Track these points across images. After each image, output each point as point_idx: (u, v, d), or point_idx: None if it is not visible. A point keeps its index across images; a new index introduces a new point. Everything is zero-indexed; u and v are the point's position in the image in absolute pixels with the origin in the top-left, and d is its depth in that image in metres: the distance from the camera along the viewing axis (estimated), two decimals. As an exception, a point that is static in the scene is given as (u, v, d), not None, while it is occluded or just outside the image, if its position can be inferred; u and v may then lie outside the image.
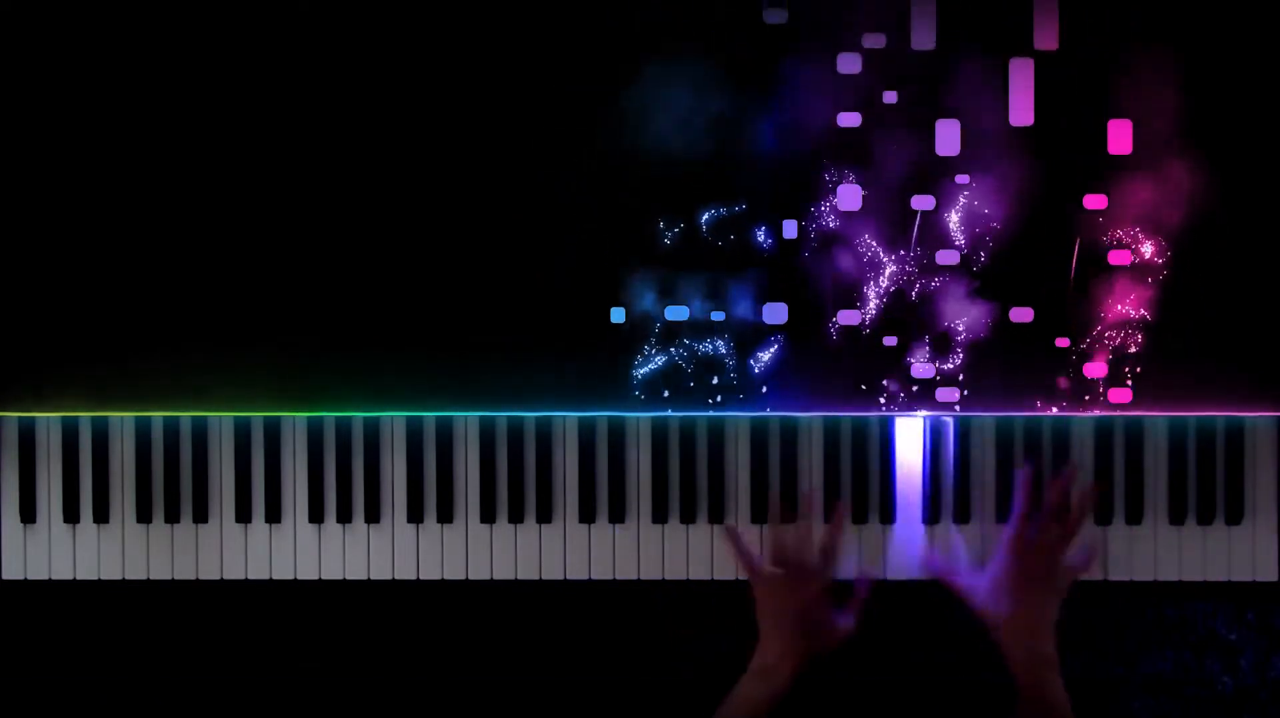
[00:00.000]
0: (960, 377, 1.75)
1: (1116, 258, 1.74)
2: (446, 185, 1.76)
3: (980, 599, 1.71)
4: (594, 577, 1.83)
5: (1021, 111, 1.73)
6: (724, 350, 1.75)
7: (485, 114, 1.75)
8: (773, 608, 1.71)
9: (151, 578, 1.83)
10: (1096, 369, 1.75)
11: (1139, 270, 1.74)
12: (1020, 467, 1.75)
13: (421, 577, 1.83)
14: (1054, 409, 1.75)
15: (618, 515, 1.82)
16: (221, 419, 1.82)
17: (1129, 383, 1.75)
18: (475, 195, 1.76)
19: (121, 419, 1.82)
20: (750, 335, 1.75)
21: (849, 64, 1.73)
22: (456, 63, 1.75)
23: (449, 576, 1.83)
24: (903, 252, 1.73)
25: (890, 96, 1.73)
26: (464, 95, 1.75)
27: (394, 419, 1.82)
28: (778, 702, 1.67)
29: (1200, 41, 1.72)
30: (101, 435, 1.82)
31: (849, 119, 1.73)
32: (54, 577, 1.83)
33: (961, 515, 1.81)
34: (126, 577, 1.83)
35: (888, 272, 1.73)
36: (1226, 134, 1.73)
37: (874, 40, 1.73)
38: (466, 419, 1.83)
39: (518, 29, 1.74)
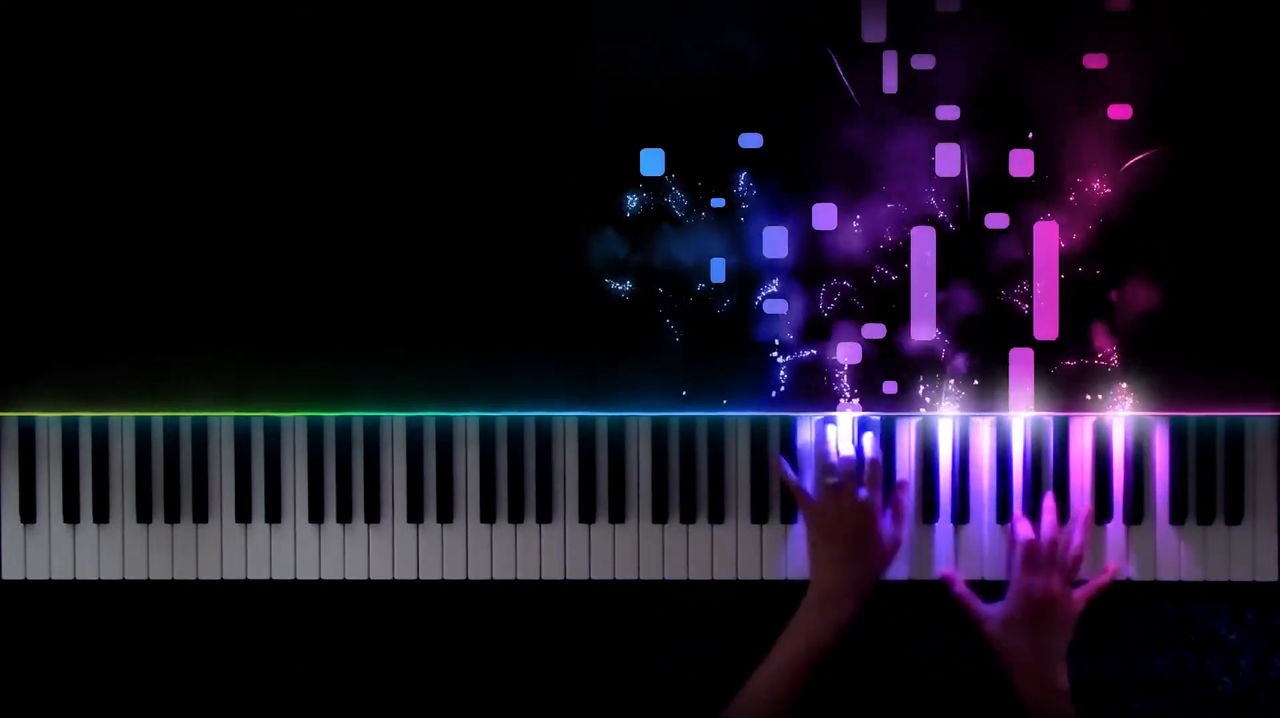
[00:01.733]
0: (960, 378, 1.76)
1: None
2: (447, 186, 1.76)
3: (991, 630, 1.72)
4: (594, 577, 1.83)
5: (1022, 400, 1.74)
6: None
7: (482, 116, 1.75)
8: (825, 529, 1.72)
9: (151, 578, 1.83)
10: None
11: (1139, 272, 1.74)
12: (1015, 477, 1.77)
13: (421, 577, 1.83)
14: (1054, 409, 1.75)
15: (618, 515, 1.82)
16: (221, 419, 1.82)
17: (1129, 383, 1.75)
18: (476, 196, 1.76)
19: (121, 419, 1.82)
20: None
21: (849, 354, 1.74)
22: (454, 70, 1.75)
23: (449, 576, 1.83)
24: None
25: (890, 387, 1.75)
26: (462, 99, 1.75)
27: (394, 419, 1.82)
28: (841, 634, 1.67)
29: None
30: (101, 435, 1.82)
31: (849, 408, 1.76)
32: (54, 577, 1.83)
33: (960, 516, 1.81)
34: (126, 577, 1.83)
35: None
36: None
37: (873, 331, 1.75)
38: (466, 419, 1.83)
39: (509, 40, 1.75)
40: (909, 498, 1.78)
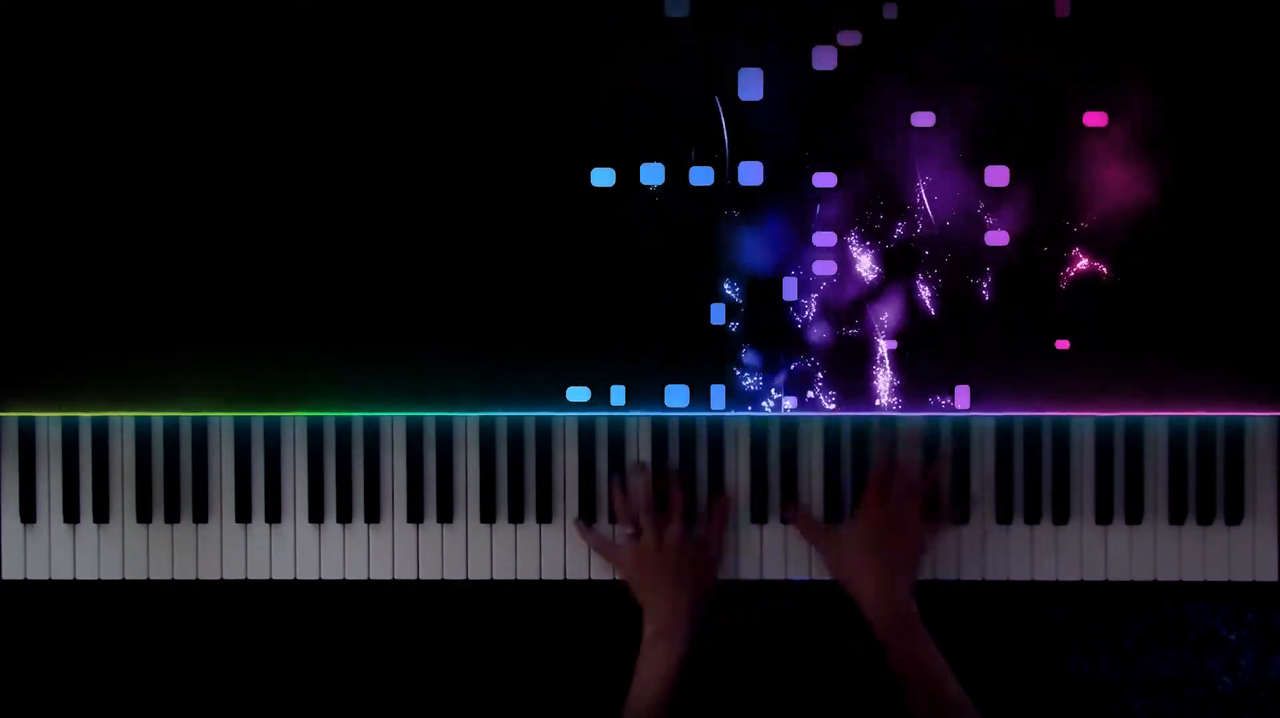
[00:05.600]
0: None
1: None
2: (447, 186, 1.76)
3: (831, 559, 1.74)
4: (594, 577, 1.83)
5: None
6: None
7: (483, 116, 1.75)
8: (641, 571, 1.74)
9: (151, 578, 1.83)
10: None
11: (1137, 269, 1.74)
12: (1016, 476, 1.77)
13: (421, 577, 1.83)
14: (1054, 409, 1.75)
15: (618, 516, 1.82)
16: (221, 419, 1.82)
17: (1128, 382, 1.75)
18: (476, 196, 1.76)
19: (121, 419, 1.82)
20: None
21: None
22: (462, 65, 1.75)
23: (449, 576, 1.83)
24: None
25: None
26: (462, 98, 1.75)
27: (394, 419, 1.82)
28: (683, 666, 1.68)
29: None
30: (101, 435, 1.82)
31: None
32: (54, 577, 1.83)
33: (960, 515, 1.81)
34: (126, 577, 1.83)
35: None
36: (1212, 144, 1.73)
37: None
38: (466, 419, 1.83)
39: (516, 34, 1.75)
40: (723, 510, 1.78)
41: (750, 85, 1.73)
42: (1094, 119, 1.72)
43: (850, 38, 1.72)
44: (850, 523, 1.74)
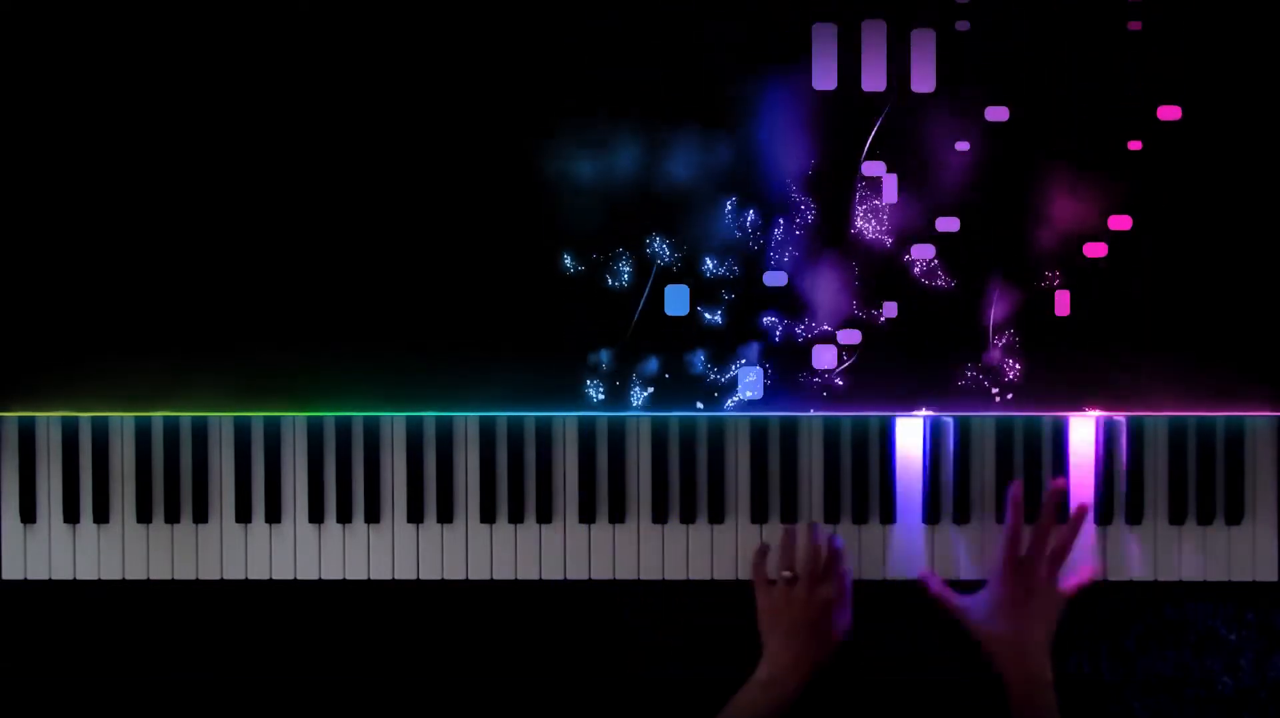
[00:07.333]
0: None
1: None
2: (447, 186, 1.76)
3: (973, 621, 1.73)
4: (594, 577, 1.83)
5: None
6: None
7: (486, 116, 1.75)
8: (780, 618, 1.73)
9: (151, 578, 1.83)
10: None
11: (1136, 270, 1.74)
12: (1016, 477, 1.77)
13: (421, 577, 1.83)
14: (1054, 409, 1.75)
15: (618, 516, 1.82)
16: (221, 419, 1.82)
17: (1129, 383, 1.75)
18: (477, 196, 1.76)
19: (121, 419, 1.82)
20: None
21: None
22: (470, 57, 1.75)
23: (449, 576, 1.83)
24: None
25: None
26: (459, 98, 1.75)
27: (394, 419, 1.82)
28: (783, 713, 1.68)
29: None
30: (101, 435, 1.82)
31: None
32: (54, 577, 1.83)
33: (961, 516, 1.81)
34: (126, 577, 1.83)
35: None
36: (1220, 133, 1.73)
37: (852, 336, 1.74)
38: (466, 419, 1.83)
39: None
40: (849, 582, 1.78)
41: (752, 386, 1.75)
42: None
43: (850, 336, 1.74)
44: (985, 592, 1.73)
